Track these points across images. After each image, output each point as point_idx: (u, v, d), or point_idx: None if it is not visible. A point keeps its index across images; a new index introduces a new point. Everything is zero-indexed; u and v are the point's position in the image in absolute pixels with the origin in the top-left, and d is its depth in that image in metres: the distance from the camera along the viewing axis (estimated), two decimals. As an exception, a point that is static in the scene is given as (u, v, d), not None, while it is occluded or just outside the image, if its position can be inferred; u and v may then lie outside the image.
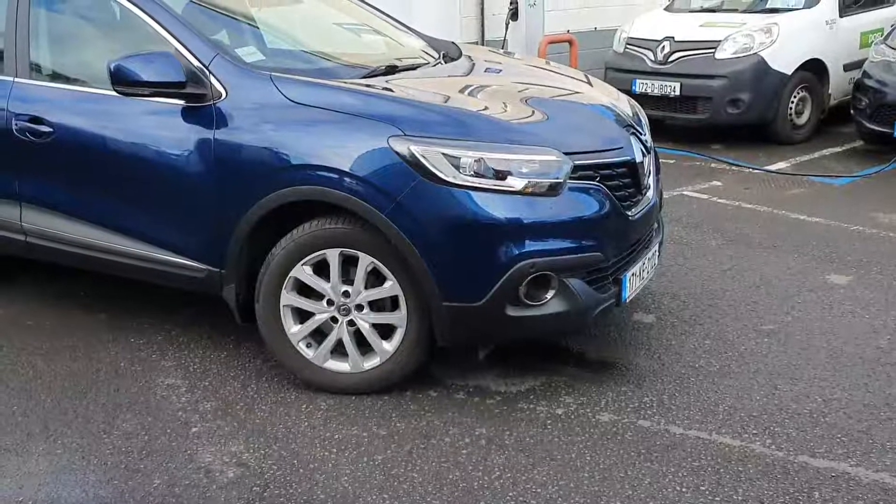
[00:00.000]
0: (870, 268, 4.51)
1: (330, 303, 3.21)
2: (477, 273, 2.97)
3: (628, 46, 8.11)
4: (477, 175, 2.93)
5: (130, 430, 3.08)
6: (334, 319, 3.22)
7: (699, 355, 3.56)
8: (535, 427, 3.03)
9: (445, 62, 3.96)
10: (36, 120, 3.62)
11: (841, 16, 7.79)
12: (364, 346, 3.23)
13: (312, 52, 3.92)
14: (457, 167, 2.92)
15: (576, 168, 3.06)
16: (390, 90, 3.31)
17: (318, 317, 3.23)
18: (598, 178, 3.14)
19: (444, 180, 2.91)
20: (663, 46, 7.71)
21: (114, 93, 3.39)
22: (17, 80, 3.75)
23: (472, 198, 2.92)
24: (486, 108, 3.26)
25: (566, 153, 3.05)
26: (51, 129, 3.58)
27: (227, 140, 3.22)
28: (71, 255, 3.74)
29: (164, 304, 4.07)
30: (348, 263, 3.17)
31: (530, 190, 2.96)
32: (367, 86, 3.34)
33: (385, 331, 3.21)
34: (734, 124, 7.54)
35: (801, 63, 7.46)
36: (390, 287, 3.12)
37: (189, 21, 3.46)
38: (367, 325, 3.19)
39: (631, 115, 3.68)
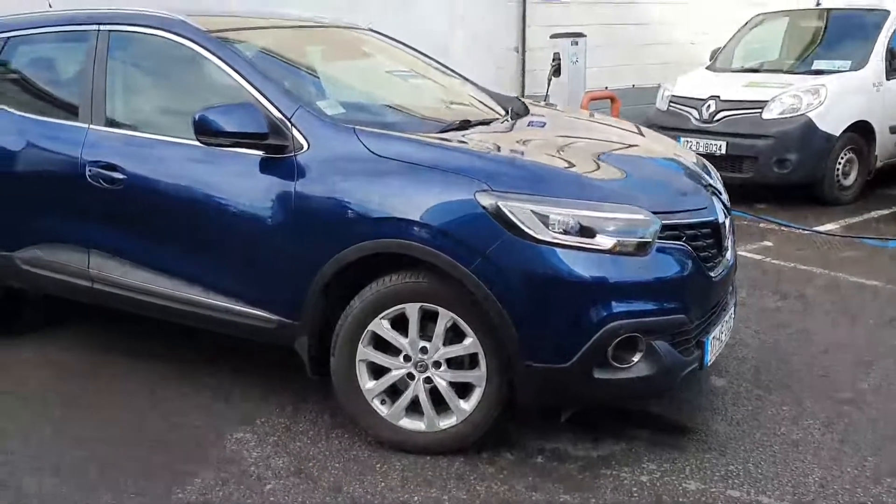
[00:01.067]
0: (940, 334, 4.41)
1: (407, 358, 3.14)
2: (565, 333, 2.90)
3: (672, 104, 8.12)
4: (565, 233, 2.88)
5: (203, 484, 3.00)
6: (410, 376, 3.16)
7: (778, 422, 3.45)
8: (622, 494, 2.93)
9: (514, 117, 3.95)
10: (110, 167, 3.63)
11: (887, 79, 7.79)
12: (439, 404, 3.16)
13: (387, 105, 3.92)
14: (545, 224, 2.87)
15: (663, 227, 3.01)
16: (472, 145, 3.29)
17: (394, 373, 3.17)
18: (683, 238, 3.09)
19: (533, 237, 2.86)
20: (709, 105, 7.71)
21: (191, 142, 3.40)
22: (91, 126, 3.76)
23: (561, 256, 2.87)
24: (570, 165, 3.22)
25: (654, 212, 3.01)
26: (124, 176, 3.58)
27: (309, 192, 3.20)
28: (137, 301, 3.71)
29: (228, 354, 4.02)
30: (426, 319, 3.11)
31: (619, 249, 2.91)
32: (448, 139, 3.32)
33: (462, 389, 3.13)
34: (780, 184, 7.50)
35: (848, 124, 7.45)
36: (470, 344, 3.05)
37: (269, 72, 3.47)
38: (444, 383, 3.12)
39: (707, 173, 3.65)
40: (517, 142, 3.59)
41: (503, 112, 4.03)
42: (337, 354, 3.20)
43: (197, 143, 3.37)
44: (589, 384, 2.95)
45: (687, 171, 3.58)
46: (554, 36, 9.03)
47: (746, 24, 9.13)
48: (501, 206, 2.89)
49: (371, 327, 3.14)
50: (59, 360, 4.11)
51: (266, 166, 3.30)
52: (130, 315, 3.94)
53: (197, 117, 3.21)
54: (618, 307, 2.89)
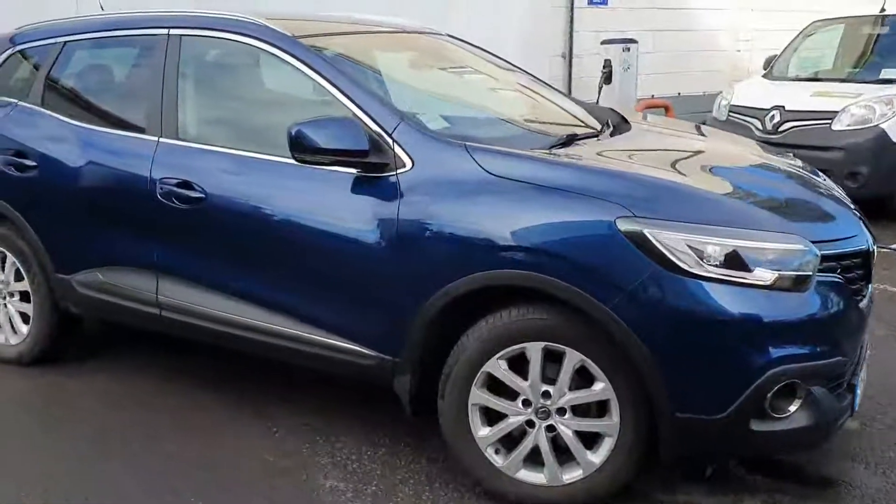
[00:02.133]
0: None
1: (526, 403, 2.80)
2: (720, 381, 2.55)
3: (731, 114, 7.78)
4: (722, 265, 2.53)
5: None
6: (530, 423, 2.81)
7: (927, 471, 3.10)
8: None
9: (616, 129, 3.59)
10: (185, 184, 3.30)
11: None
12: (561, 454, 2.82)
13: (488, 117, 3.58)
14: (700, 256, 2.53)
15: (821, 259, 2.67)
16: (601, 162, 2.96)
17: (512, 419, 2.82)
18: (838, 270, 2.74)
19: (686, 271, 2.51)
20: (773, 115, 7.37)
21: (279, 158, 3.09)
22: (162, 140, 3.44)
23: (717, 292, 2.51)
24: (716, 187, 2.88)
25: (813, 241, 2.66)
26: (202, 195, 3.25)
27: (414, 215, 2.86)
28: (213, 331, 3.38)
29: (306, 388, 3.69)
30: (549, 359, 2.77)
31: (778, 284, 2.56)
32: (577, 157, 2.98)
33: (588, 439, 2.79)
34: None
35: (925, 137, 7.09)
36: (601, 390, 2.71)
37: (364, 83, 3.14)
38: (570, 433, 2.77)
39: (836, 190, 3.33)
40: (633, 157, 3.23)
41: (601, 124, 3.68)
42: (447, 397, 2.86)
43: (284, 159, 3.05)
44: (744, 437, 2.59)
45: (822, 189, 3.25)
46: (605, 42, 8.70)
47: (802, 31, 8.79)
48: (648, 235, 2.54)
49: (486, 368, 2.80)
50: (114, 390, 3.79)
51: (362, 186, 2.97)
52: (189, 343, 3.63)
53: (293, 132, 2.88)
54: (779, 351, 2.54)
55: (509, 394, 2.82)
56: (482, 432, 2.86)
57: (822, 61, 8.51)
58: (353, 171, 2.98)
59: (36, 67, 3.97)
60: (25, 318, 4.02)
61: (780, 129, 7.28)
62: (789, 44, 8.69)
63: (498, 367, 2.79)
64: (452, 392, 2.85)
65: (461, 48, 4.13)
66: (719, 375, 2.55)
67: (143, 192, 3.41)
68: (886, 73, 7.67)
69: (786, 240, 2.62)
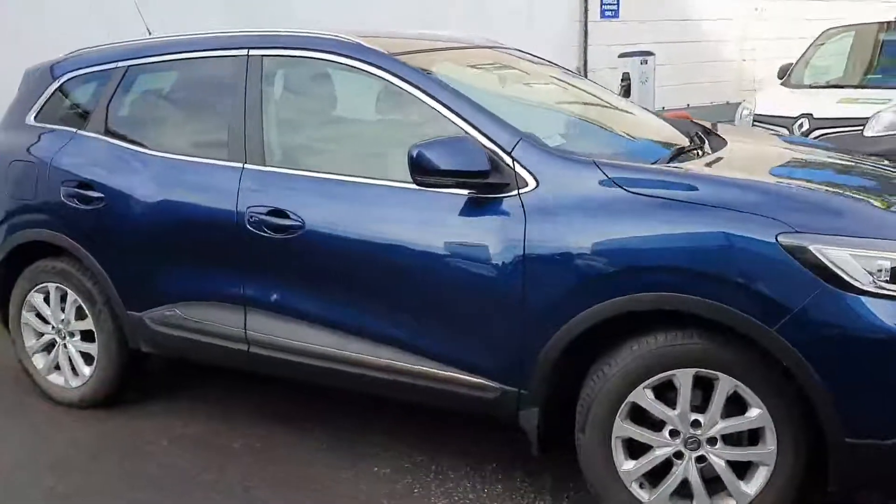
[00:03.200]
0: None
1: (674, 434, 2.64)
2: (894, 402, 2.42)
3: (756, 123, 7.73)
4: (892, 280, 2.40)
5: None
6: (678, 454, 2.65)
7: None
8: None
9: (714, 141, 3.46)
10: (278, 213, 3.11)
11: (985, 92, 7.45)
12: (710, 486, 2.66)
13: (595, 132, 3.43)
14: (870, 272, 2.39)
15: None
16: (743, 175, 2.82)
17: (659, 451, 2.66)
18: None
19: (858, 288, 2.38)
20: (801, 123, 7.33)
21: (388, 182, 2.93)
22: (247, 166, 3.24)
23: (890, 310, 2.38)
24: (859, 197, 2.75)
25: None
26: (299, 223, 3.06)
27: (542, 238, 2.69)
28: (306, 367, 3.18)
29: (392, 425, 3.50)
30: (697, 386, 2.61)
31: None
32: (719, 172, 2.84)
33: (739, 469, 2.63)
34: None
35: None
36: (757, 417, 2.56)
37: (473, 100, 2.98)
38: (723, 463, 2.61)
39: None
40: (753, 169, 3.10)
41: (688, 136, 3.55)
42: (588, 430, 2.69)
43: (393, 183, 2.90)
44: (915, 464, 2.46)
45: None
46: (623, 55, 8.64)
47: (817, 38, 8.81)
48: (814, 251, 2.40)
49: (632, 398, 2.64)
50: (189, 434, 3.56)
51: (480, 208, 2.80)
52: (247, 380, 3.43)
53: (414, 154, 2.71)
54: (955, 370, 2.41)
55: (655, 424, 2.66)
56: (626, 466, 2.69)
57: (840, 68, 8.52)
58: (466, 192, 2.81)
59: (94, 95, 3.75)
60: (87, 358, 3.79)
61: (811, 136, 7.23)
62: (805, 52, 8.69)
63: (644, 396, 2.63)
64: (595, 424, 2.68)
65: (533, 61, 3.99)
66: (893, 397, 2.41)
67: (228, 222, 3.21)
68: (910, 77, 7.69)
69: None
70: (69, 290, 3.75)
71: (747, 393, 2.55)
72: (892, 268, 2.39)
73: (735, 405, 2.59)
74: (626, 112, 3.83)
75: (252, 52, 3.34)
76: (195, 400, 3.88)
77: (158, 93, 3.69)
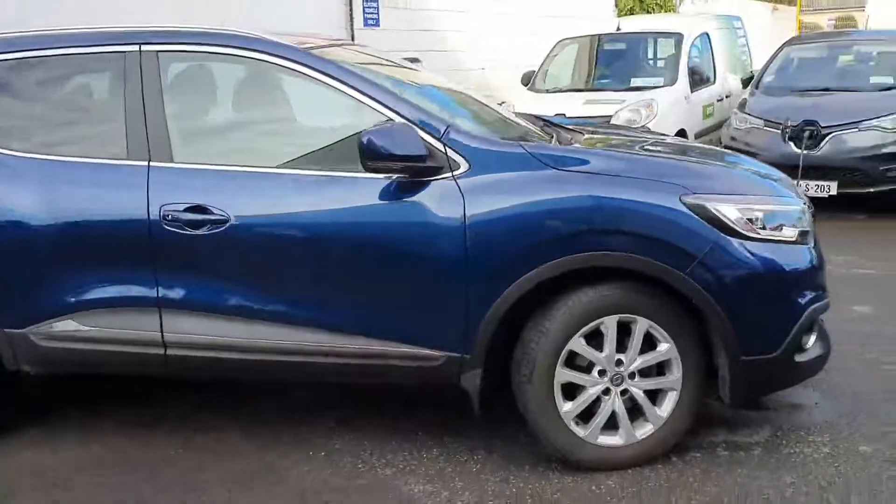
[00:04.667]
0: None
1: (602, 373, 3.08)
2: (775, 324, 3.04)
3: (518, 123, 8.56)
4: (764, 228, 3.03)
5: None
6: (606, 391, 3.09)
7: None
8: (820, 466, 3.12)
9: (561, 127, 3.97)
10: (198, 209, 3.09)
11: (692, 91, 8.93)
12: (631, 414, 3.13)
13: (489, 118, 3.72)
14: (751, 221, 3.00)
15: (802, 215, 3.27)
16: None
17: (591, 390, 3.08)
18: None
19: (744, 235, 2.97)
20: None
21: (313, 172, 3.10)
22: (153, 164, 3.16)
23: (768, 250, 3.01)
24: (718, 163, 3.39)
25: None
26: (224, 217, 3.07)
27: (482, 215, 2.99)
28: (232, 363, 3.18)
29: (311, 415, 3.59)
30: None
31: (798, 239, 3.12)
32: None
33: (652, 397, 3.14)
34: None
35: (673, 133, 8.39)
36: (667, 350, 3.07)
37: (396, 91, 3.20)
38: (641, 394, 3.10)
39: None
40: (616, 145, 3.66)
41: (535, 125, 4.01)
42: (536, 380, 3.03)
43: (319, 172, 3.08)
44: (791, 370, 3.12)
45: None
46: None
47: (553, 49, 9.89)
48: (710, 208, 2.96)
49: (569, 346, 3.03)
50: (72, 459, 3.37)
51: (413, 191, 3.03)
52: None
53: (364, 140, 2.88)
54: (809, 294, 3.10)
55: (585, 368, 3.07)
56: (566, 407, 3.08)
57: (579, 74, 9.67)
58: (395, 177, 3.02)
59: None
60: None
61: (566, 134, 8.18)
62: (544, 60, 9.73)
63: (579, 344, 3.04)
64: (541, 374, 3.03)
65: (379, 55, 4.20)
66: (774, 320, 3.05)
67: (137, 222, 3.12)
68: (636, 82, 8.96)
69: (793, 202, 3.19)
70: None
71: (658, 331, 3.06)
72: (762, 217, 3.03)
73: (646, 343, 3.08)
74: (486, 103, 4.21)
75: (145, 47, 3.25)
76: (75, 422, 3.64)
77: (33, 91, 3.39)
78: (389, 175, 3.01)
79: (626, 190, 3.00)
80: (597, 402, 3.10)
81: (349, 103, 3.15)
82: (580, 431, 3.10)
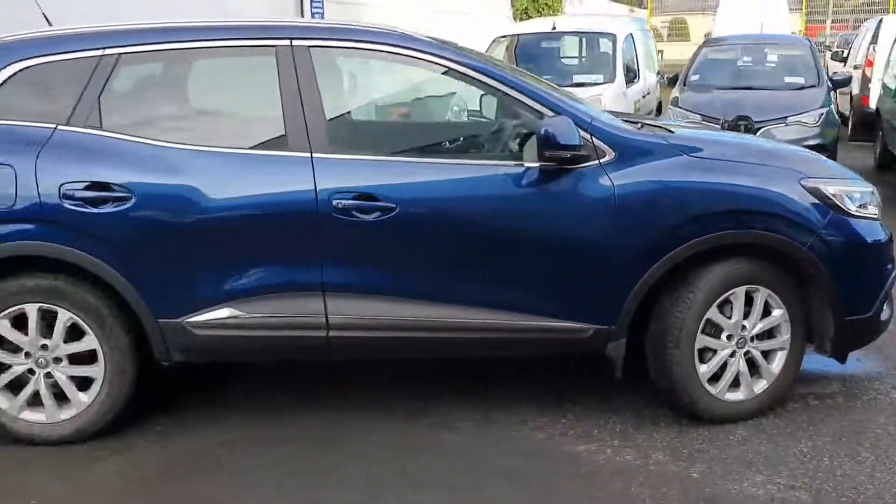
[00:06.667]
0: None
1: (729, 338, 3.50)
2: (870, 288, 3.56)
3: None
4: (861, 206, 3.55)
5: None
6: (732, 354, 3.52)
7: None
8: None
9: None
10: (366, 196, 3.25)
11: (627, 87, 9.58)
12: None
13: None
14: (852, 200, 3.51)
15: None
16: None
17: (721, 353, 3.50)
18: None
19: (851, 213, 3.48)
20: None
21: (470, 162, 3.38)
22: (316, 155, 3.29)
23: (864, 225, 3.53)
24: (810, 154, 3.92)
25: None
26: (393, 205, 3.25)
27: (628, 197, 3.32)
28: (403, 341, 3.39)
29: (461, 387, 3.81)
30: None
31: (877, 216, 3.66)
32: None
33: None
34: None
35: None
36: (780, 315, 3.53)
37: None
38: (758, 353, 3.55)
39: None
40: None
41: None
42: (682, 345, 3.41)
43: (474, 161, 3.41)
44: (876, 327, 3.65)
45: None
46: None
47: (489, 47, 10.28)
48: (824, 190, 3.45)
49: (708, 315, 3.43)
50: (191, 453, 3.46)
51: (569, 177, 3.32)
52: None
53: (543, 132, 3.17)
54: (890, 263, 3.65)
55: (714, 333, 3.49)
56: (702, 370, 3.48)
57: (518, 71, 10.09)
58: (547, 164, 3.30)
59: (76, 84, 3.31)
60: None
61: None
62: (484, 56, 10.11)
63: (715, 312, 3.44)
64: (687, 339, 3.41)
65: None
66: (871, 284, 3.57)
67: (305, 213, 3.24)
68: (577, 78, 9.51)
69: (867, 184, 3.73)
70: (61, 310, 3.31)
71: (774, 299, 3.51)
72: (859, 198, 3.55)
73: (763, 310, 3.53)
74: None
75: (296, 42, 3.35)
76: (189, 415, 3.67)
77: (175, 84, 3.42)
78: (548, 164, 3.29)
79: (754, 177, 3.43)
80: (723, 363, 3.53)
81: (503, 100, 3.41)
82: (712, 390, 3.52)
